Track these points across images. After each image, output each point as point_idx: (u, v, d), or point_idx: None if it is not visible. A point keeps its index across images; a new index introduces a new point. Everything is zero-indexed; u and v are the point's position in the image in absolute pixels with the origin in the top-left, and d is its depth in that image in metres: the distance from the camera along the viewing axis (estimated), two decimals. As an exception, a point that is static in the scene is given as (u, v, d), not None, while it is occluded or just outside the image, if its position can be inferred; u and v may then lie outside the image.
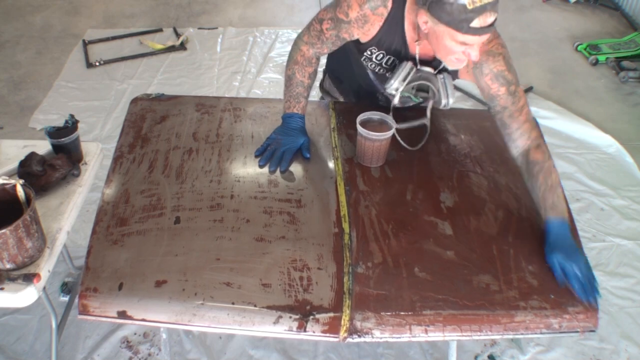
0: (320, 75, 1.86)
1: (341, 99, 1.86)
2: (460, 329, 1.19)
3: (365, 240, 1.33)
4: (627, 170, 2.70)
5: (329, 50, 1.54)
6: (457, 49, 1.30)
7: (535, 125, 1.47)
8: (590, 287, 1.25)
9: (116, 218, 1.35)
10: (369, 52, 1.50)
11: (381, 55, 1.49)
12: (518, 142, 1.44)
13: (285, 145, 1.52)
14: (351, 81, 1.73)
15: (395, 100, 1.51)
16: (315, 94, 3.12)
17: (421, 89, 1.56)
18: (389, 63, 1.51)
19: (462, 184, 1.49)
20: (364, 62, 1.54)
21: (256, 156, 1.53)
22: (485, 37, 1.27)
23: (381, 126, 1.49)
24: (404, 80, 1.45)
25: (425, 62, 1.48)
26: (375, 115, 1.51)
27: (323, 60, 1.71)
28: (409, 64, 1.45)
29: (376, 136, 1.45)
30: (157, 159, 1.51)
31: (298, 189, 1.44)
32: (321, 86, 1.94)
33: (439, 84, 1.47)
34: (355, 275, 1.25)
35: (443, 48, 1.32)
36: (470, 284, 1.25)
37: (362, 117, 1.49)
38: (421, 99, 1.60)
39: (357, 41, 1.49)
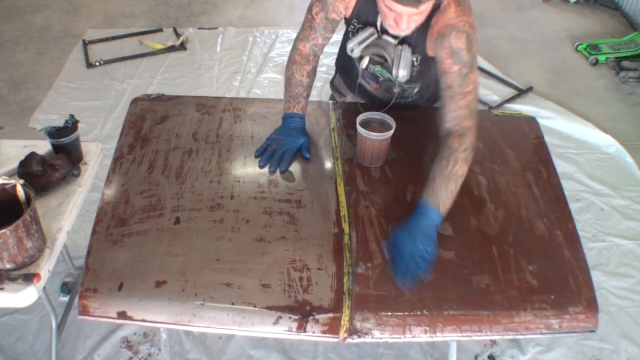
0: (332, 72, 1.89)
1: (349, 97, 1.85)
2: (460, 330, 1.19)
3: (365, 240, 1.33)
4: (627, 170, 2.70)
5: (323, 39, 1.54)
6: (389, 14, 1.32)
7: (473, 119, 1.39)
8: (409, 278, 1.22)
9: (116, 218, 1.35)
10: (352, 27, 1.51)
11: (361, 28, 1.50)
12: (447, 125, 1.40)
13: (285, 145, 1.52)
14: (353, 72, 1.73)
15: (364, 65, 1.53)
16: (315, 94, 3.14)
17: (381, 61, 1.54)
18: None
19: (462, 184, 1.49)
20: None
21: (256, 156, 1.53)
22: (410, 10, 1.27)
23: (381, 127, 1.49)
24: (360, 43, 1.47)
25: (400, 38, 1.46)
26: (375, 115, 1.51)
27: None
28: (371, 30, 1.46)
29: (376, 136, 1.45)
30: (157, 160, 1.51)
31: (298, 190, 1.44)
32: (331, 83, 1.94)
33: (394, 54, 1.46)
34: (355, 275, 1.25)
35: (381, 11, 1.36)
36: (470, 284, 1.25)
37: (362, 117, 1.49)
38: (389, 75, 1.58)
39: (347, 20, 1.52)
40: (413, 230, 1.27)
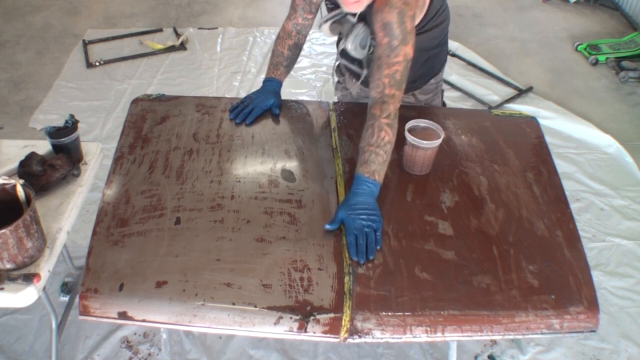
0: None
1: (353, 82, 1.87)
2: (461, 329, 1.19)
3: (365, 240, 1.32)
4: (627, 170, 2.70)
5: (302, 19, 1.65)
6: None
7: (396, 89, 1.41)
8: (363, 249, 1.26)
9: (117, 219, 1.35)
10: (324, 6, 1.57)
11: (332, 6, 1.56)
12: (371, 92, 1.44)
13: (256, 103, 1.66)
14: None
15: (340, 47, 1.57)
16: (315, 94, 3.14)
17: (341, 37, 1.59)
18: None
19: (462, 184, 1.49)
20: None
21: (230, 111, 1.67)
22: None
23: (426, 132, 1.48)
24: (325, 21, 1.54)
25: (357, 15, 1.50)
26: (421, 122, 1.50)
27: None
28: (339, 10, 1.51)
29: (427, 144, 1.44)
30: (157, 160, 1.51)
31: (298, 190, 1.44)
32: (338, 70, 1.95)
33: (347, 28, 1.50)
34: (355, 275, 1.25)
35: None
36: (470, 284, 1.25)
37: (408, 125, 1.48)
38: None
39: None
40: (353, 205, 1.32)
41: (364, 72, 1.62)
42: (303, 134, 1.64)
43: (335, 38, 1.70)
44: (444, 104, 1.98)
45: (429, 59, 1.69)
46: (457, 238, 1.35)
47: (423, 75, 1.74)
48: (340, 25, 1.51)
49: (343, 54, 1.64)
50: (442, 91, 1.92)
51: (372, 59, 1.45)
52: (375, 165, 1.35)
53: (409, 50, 1.40)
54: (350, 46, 1.51)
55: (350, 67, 1.71)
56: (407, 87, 1.75)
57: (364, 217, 1.31)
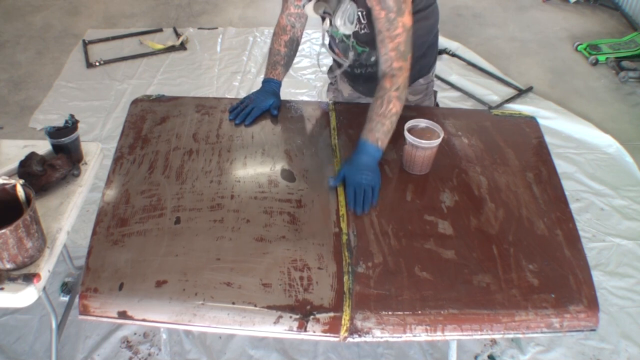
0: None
1: (343, 82, 1.90)
2: (461, 329, 1.20)
3: (365, 240, 1.33)
4: (627, 170, 2.70)
5: (294, 7, 1.65)
6: None
7: (403, 60, 1.49)
8: (361, 204, 1.39)
9: (116, 218, 1.35)
10: None
11: None
12: (381, 67, 1.51)
13: (255, 104, 1.68)
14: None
15: (325, 26, 1.58)
16: (315, 95, 3.14)
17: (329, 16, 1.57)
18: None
19: (462, 184, 1.49)
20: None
21: (230, 112, 1.67)
22: None
23: (426, 132, 1.49)
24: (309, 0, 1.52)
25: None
26: (420, 122, 1.50)
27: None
28: None
29: (427, 144, 1.44)
30: (157, 160, 1.51)
31: (298, 189, 1.45)
32: (330, 70, 1.96)
33: (333, 5, 1.49)
34: (355, 275, 1.25)
35: None
36: (470, 284, 1.25)
37: (408, 125, 1.49)
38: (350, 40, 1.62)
39: None
40: (356, 165, 1.45)
41: (346, 62, 1.66)
42: (303, 134, 1.64)
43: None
44: (437, 106, 1.98)
45: (417, 60, 1.69)
46: (457, 237, 1.35)
47: (411, 74, 1.73)
48: (326, 2, 1.50)
49: (330, 39, 1.67)
50: (435, 92, 1.92)
51: (375, 35, 1.49)
52: (380, 133, 1.45)
53: (406, 21, 1.45)
54: (339, 22, 1.51)
55: (334, 58, 1.72)
56: None
57: (364, 175, 1.42)
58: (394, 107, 1.46)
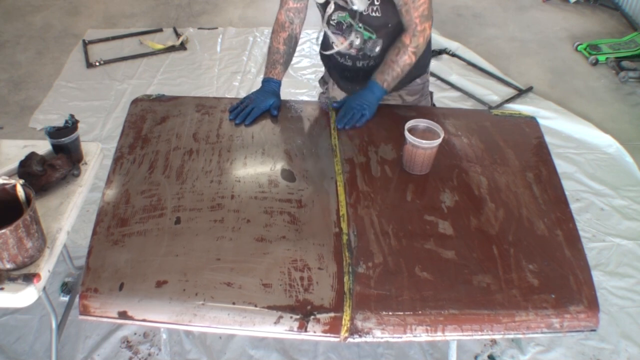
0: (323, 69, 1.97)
1: (330, 82, 1.92)
2: (461, 329, 1.19)
3: (365, 240, 1.33)
4: (627, 170, 2.70)
5: (294, 2, 1.70)
6: None
7: (426, 22, 1.58)
8: (347, 120, 1.59)
9: (117, 218, 1.35)
10: None
11: None
12: (405, 27, 1.60)
13: (255, 104, 1.68)
14: (328, 47, 1.79)
15: (330, 10, 1.61)
16: (315, 95, 3.13)
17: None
18: None
19: (462, 184, 1.49)
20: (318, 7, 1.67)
21: (230, 111, 1.68)
22: None
23: (426, 132, 1.49)
24: None
25: None
26: (421, 122, 1.50)
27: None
28: None
29: (427, 144, 1.44)
30: (157, 160, 1.51)
31: (298, 189, 1.44)
32: (321, 79, 1.99)
33: None
34: (355, 275, 1.25)
35: None
36: (470, 284, 1.25)
37: (408, 125, 1.49)
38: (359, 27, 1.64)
39: None
40: (359, 96, 1.64)
41: (357, 41, 1.67)
42: (303, 134, 1.64)
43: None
44: (433, 106, 1.98)
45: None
46: (457, 238, 1.35)
47: (409, 74, 1.74)
48: None
49: (331, 28, 1.68)
50: (431, 93, 1.93)
51: (399, 5, 1.55)
52: (389, 78, 1.61)
53: None
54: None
55: (334, 42, 1.72)
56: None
57: (360, 104, 1.61)
58: (409, 59, 1.60)
